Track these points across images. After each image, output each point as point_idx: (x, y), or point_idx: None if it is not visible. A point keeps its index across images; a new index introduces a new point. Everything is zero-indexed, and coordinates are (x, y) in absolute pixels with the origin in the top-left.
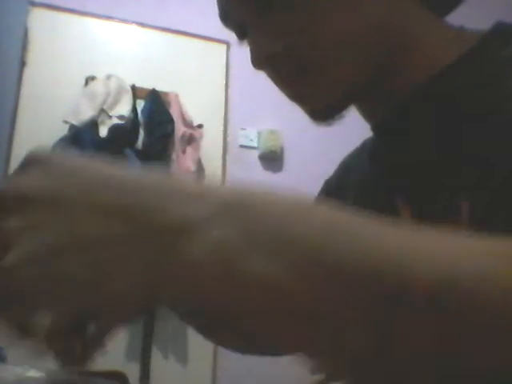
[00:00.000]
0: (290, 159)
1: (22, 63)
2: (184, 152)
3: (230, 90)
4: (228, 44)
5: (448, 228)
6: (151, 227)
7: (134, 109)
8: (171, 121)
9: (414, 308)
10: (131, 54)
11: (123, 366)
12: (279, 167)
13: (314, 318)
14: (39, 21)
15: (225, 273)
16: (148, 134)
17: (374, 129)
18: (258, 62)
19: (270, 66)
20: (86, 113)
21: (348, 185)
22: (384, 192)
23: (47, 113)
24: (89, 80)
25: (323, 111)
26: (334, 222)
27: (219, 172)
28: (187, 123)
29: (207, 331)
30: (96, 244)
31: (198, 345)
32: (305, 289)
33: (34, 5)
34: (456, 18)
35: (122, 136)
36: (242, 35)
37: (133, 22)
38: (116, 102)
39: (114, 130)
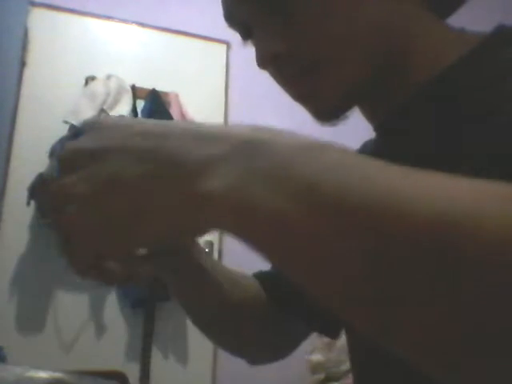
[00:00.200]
0: None
1: (22, 63)
2: None
3: (230, 90)
4: (228, 44)
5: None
6: (174, 166)
7: (134, 109)
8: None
9: (412, 243)
10: (131, 54)
11: (123, 366)
12: None
13: (313, 247)
14: (39, 21)
15: (233, 204)
16: None
17: (376, 129)
18: (263, 62)
19: (274, 66)
20: (86, 113)
21: None
22: None
23: (47, 113)
24: (89, 80)
25: (327, 111)
26: (339, 160)
27: None
28: None
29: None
30: (131, 182)
31: (198, 345)
32: (304, 219)
33: (34, 5)
34: (457, 20)
35: None
36: (246, 35)
37: (133, 22)
38: (116, 101)
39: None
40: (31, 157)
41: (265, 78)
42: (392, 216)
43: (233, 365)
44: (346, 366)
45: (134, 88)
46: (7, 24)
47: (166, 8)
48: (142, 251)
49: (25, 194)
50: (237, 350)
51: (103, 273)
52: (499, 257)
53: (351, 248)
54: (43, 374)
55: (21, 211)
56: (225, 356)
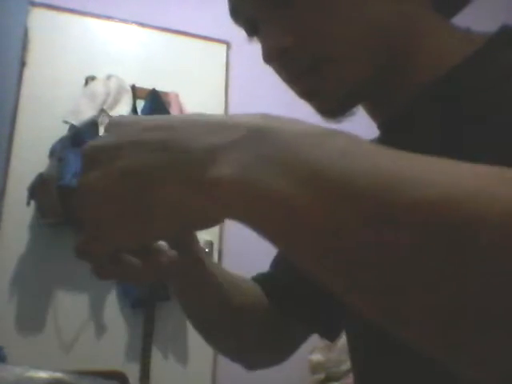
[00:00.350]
0: None
1: (22, 63)
2: None
3: (230, 90)
4: (228, 44)
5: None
6: (185, 154)
7: (134, 109)
8: None
9: (420, 228)
10: (131, 54)
11: (123, 365)
12: None
13: (318, 232)
14: (39, 21)
15: (241, 190)
16: None
17: (379, 127)
18: (269, 57)
19: (280, 61)
20: (86, 113)
21: None
22: None
23: (47, 113)
24: (89, 80)
25: (332, 108)
26: (346, 146)
27: None
28: None
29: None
30: (144, 172)
31: (198, 345)
32: (310, 204)
33: (34, 5)
34: (461, 19)
35: None
36: (251, 32)
37: (133, 22)
38: (116, 101)
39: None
40: (31, 157)
41: (265, 78)
42: (398, 201)
43: (233, 365)
44: (346, 365)
45: (133, 88)
46: (7, 24)
47: (165, 8)
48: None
49: (25, 194)
50: (236, 354)
51: (123, 269)
52: (508, 239)
53: (357, 233)
54: (43, 374)
55: (21, 211)
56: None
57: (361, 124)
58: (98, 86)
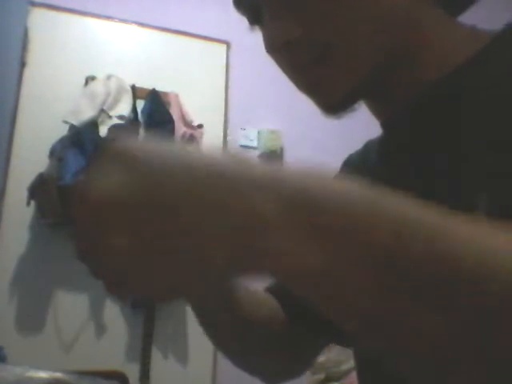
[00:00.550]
0: (290, 159)
1: (22, 63)
2: None
3: (229, 90)
4: (228, 44)
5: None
6: (221, 217)
7: (134, 109)
8: (171, 121)
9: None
10: (131, 54)
11: (123, 366)
12: None
13: (327, 278)
14: (39, 21)
15: (289, 263)
16: (148, 134)
17: (383, 125)
18: (274, 46)
19: (284, 52)
20: (86, 113)
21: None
22: (394, 191)
23: (47, 113)
24: (89, 80)
25: (335, 102)
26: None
27: None
28: (187, 123)
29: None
30: (181, 235)
31: (198, 345)
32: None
33: (34, 5)
34: (469, 18)
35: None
36: (254, 20)
37: (133, 22)
38: (116, 101)
39: (114, 130)
40: (31, 157)
41: (265, 78)
42: (447, 271)
43: (233, 365)
44: (346, 365)
45: (133, 88)
46: (7, 24)
47: (165, 8)
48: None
49: (25, 194)
50: (257, 369)
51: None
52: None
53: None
54: (43, 374)
55: (21, 211)
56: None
57: (354, 127)
58: (97, 86)
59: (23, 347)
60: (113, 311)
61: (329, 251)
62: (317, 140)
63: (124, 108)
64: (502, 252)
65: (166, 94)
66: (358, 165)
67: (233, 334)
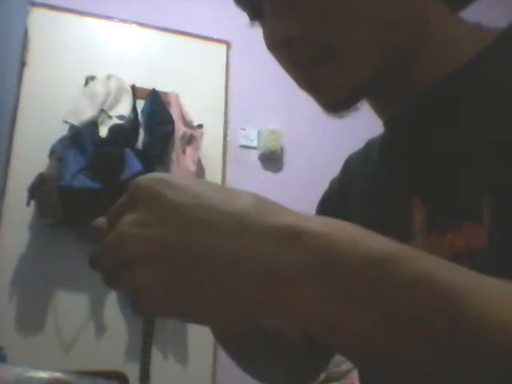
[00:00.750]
0: (289, 159)
1: (22, 63)
2: (184, 152)
3: (229, 90)
4: (228, 44)
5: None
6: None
7: (134, 109)
8: (171, 121)
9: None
10: (131, 54)
11: (123, 366)
12: (279, 167)
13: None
14: (39, 21)
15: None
16: (148, 133)
17: (385, 124)
18: (274, 44)
19: (285, 49)
20: (86, 113)
21: (353, 183)
22: (396, 191)
23: (47, 113)
24: (89, 80)
25: (337, 101)
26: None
27: (219, 172)
28: (187, 123)
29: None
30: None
31: (198, 345)
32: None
33: (34, 5)
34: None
35: (122, 136)
36: (254, 15)
37: (133, 22)
38: (116, 101)
39: (113, 129)
40: (31, 157)
41: (265, 78)
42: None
43: (233, 365)
44: (346, 366)
45: (133, 88)
46: (7, 24)
47: (165, 8)
48: None
49: (25, 194)
50: (268, 377)
51: None
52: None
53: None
54: (43, 374)
55: (21, 211)
56: (225, 356)
57: (354, 126)
58: (97, 86)
59: (23, 347)
60: (113, 311)
61: (377, 321)
62: (317, 140)
63: (124, 108)
64: None
65: (166, 94)
66: (359, 164)
67: (250, 344)
